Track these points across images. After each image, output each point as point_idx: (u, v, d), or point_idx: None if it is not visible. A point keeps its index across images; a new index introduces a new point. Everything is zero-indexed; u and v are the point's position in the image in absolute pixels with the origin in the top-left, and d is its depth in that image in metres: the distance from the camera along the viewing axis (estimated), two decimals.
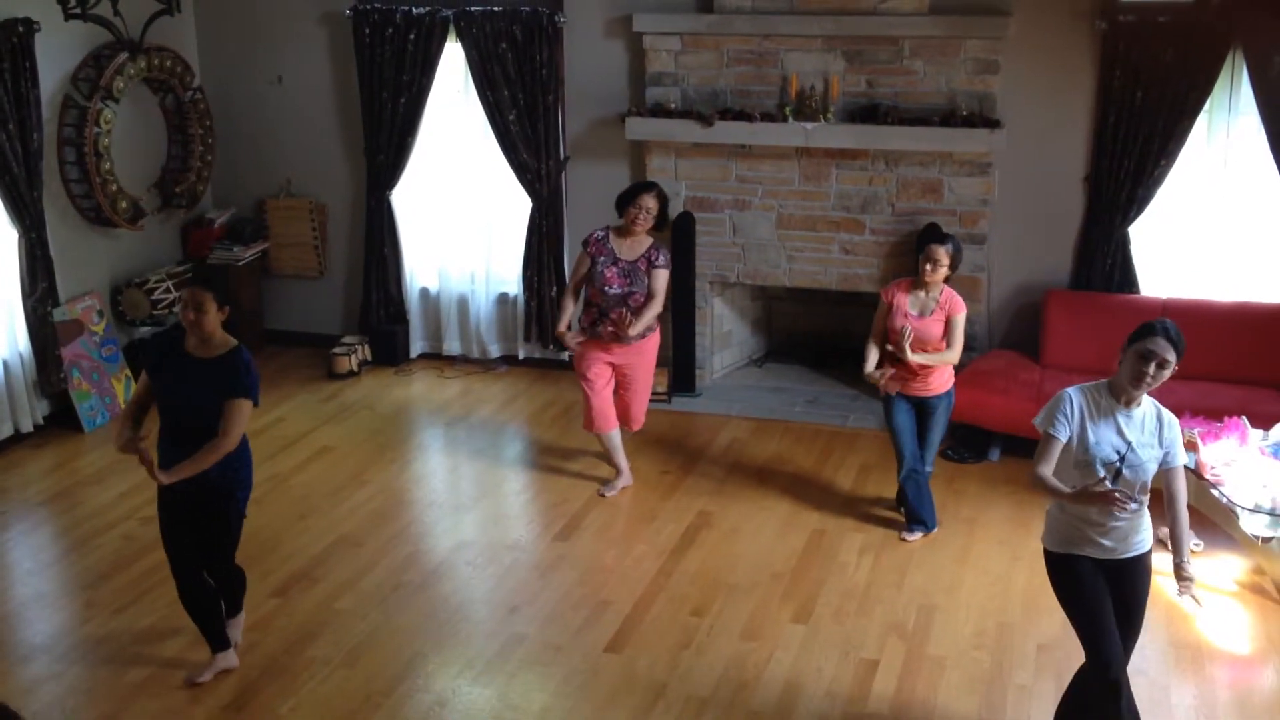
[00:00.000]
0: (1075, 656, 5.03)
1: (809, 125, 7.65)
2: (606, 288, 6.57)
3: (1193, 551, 6.15)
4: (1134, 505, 4.14)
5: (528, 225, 8.47)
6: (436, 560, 6.31)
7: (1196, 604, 4.55)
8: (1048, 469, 4.26)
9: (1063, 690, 4.98)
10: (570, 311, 6.74)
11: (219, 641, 5.26)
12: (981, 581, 5.98)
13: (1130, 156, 7.34)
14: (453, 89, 8.57)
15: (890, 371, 6.16)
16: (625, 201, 6.60)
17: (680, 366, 8.30)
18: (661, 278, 6.61)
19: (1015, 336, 7.86)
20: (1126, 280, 7.56)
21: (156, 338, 5.25)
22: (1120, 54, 7.25)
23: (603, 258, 6.60)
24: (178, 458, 4.90)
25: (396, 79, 8.43)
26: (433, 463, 7.64)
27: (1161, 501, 4.38)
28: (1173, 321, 4.29)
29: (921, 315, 6.10)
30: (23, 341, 7.61)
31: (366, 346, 8.94)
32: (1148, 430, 4.26)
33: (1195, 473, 5.95)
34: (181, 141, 8.78)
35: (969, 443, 7.31)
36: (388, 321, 9.01)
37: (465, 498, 7.00)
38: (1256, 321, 7.20)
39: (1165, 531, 6.15)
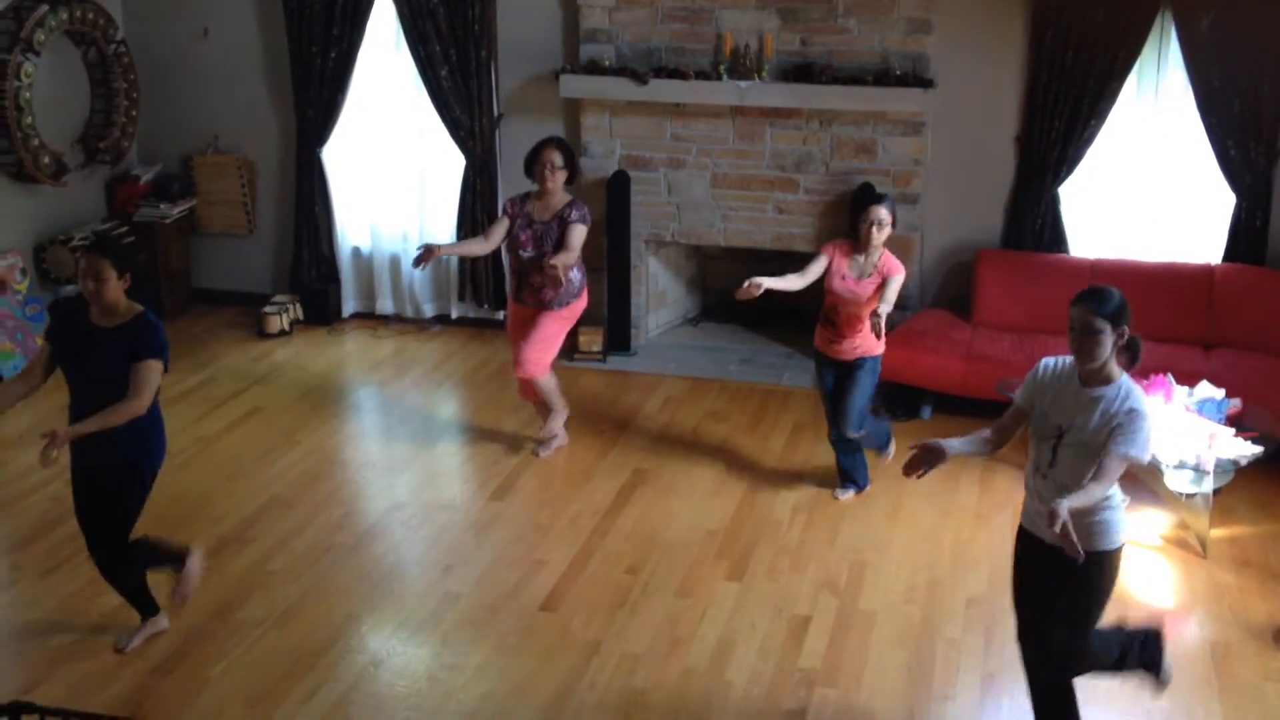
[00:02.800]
0: (1004, 610, 5.10)
1: (743, 84, 7.63)
2: (521, 251, 6.49)
3: None
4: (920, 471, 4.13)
5: (461, 183, 8.39)
6: (370, 521, 6.27)
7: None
8: (992, 424, 4.26)
9: (991, 643, 5.08)
10: (456, 244, 6.57)
11: (147, 606, 5.19)
12: (912, 538, 6.05)
13: (1061, 117, 7.40)
14: (384, 44, 8.45)
15: (752, 284, 5.83)
16: (530, 162, 6.51)
17: (615, 325, 8.29)
18: (576, 231, 6.42)
19: (947, 296, 7.93)
20: (1056, 240, 7.64)
21: (58, 306, 5.03)
22: (1051, 13, 7.29)
23: (518, 221, 6.51)
24: (93, 434, 4.76)
25: (326, 33, 8.29)
26: (366, 423, 7.58)
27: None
28: (1110, 286, 4.09)
29: (860, 278, 6.06)
30: None
31: (298, 305, 8.83)
32: (1101, 415, 3.99)
33: None
34: (105, 96, 8.58)
35: (901, 400, 7.38)
36: (319, 280, 8.90)
37: (399, 458, 6.96)
38: (1183, 281, 7.31)
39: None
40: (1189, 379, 6.36)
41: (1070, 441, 4.05)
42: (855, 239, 6.11)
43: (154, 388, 4.81)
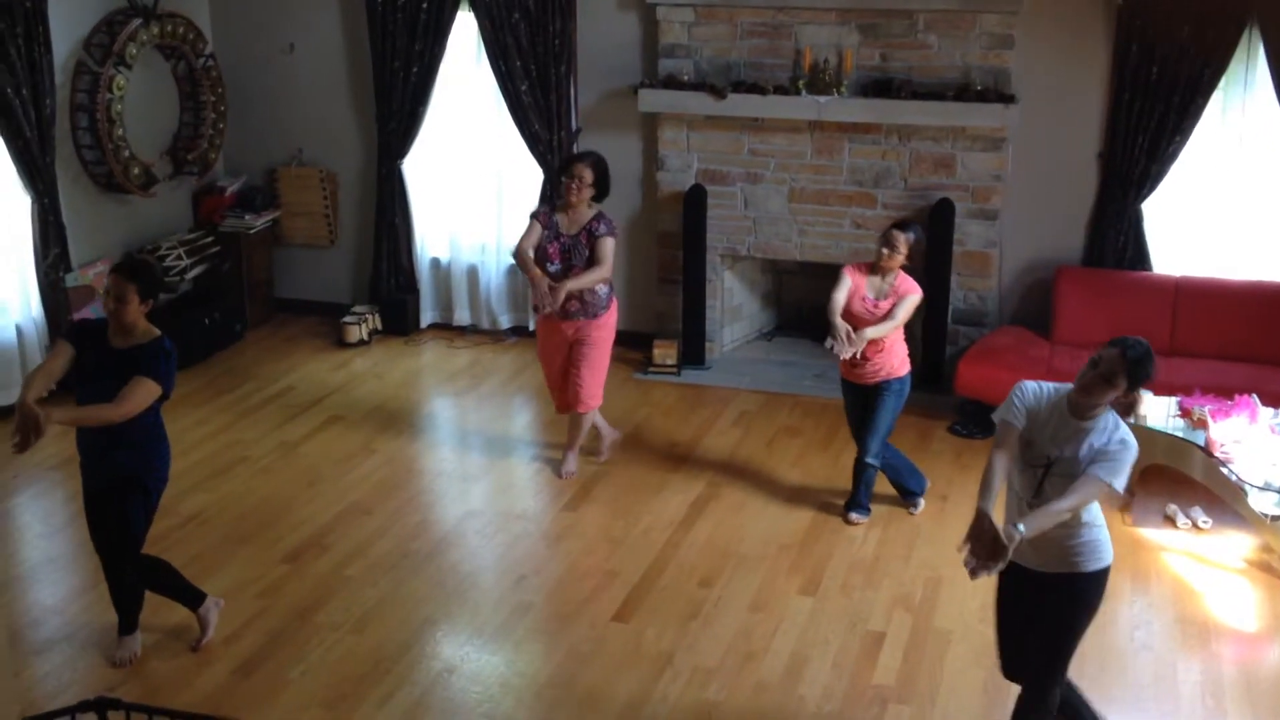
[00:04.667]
0: None
1: (822, 99, 7.63)
2: (548, 264, 6.39)
3: (1200, 528, 6.16)
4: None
5: (539, 197, 8.47)
6: (445, 529, 6.33)
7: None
8: (1001, 454, 4.04)
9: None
10: (532, 262, 6.39)
11: (134, 620, 5.21)
12: None
13: (1144, 133, 7.31)
14: (465, 59, 8.55)
15: (845, 331, 5.88)
16: (561, 172, 6.50)
17: (690, 339, 8.30)
18: (605, 246, 6.38)
19: (1026, 313, 7.85)
20: (1139, 257, 7.54)
21: (80, 326, 5.03)
22: (1135, 29, 7.21)
23: (547, 232, 6.42)
24: (95, 444, 4.85)
25: (409, 48, 8.41)
26: (441, 433, 7.66)
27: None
28: (1146, 344, 3.98)
29: (878, 299, 6.06)
30: (35, 307, 7.63)
31: (377, 316, 8.95)
32: (1090, 448, 3.95)
33: (1205, 450, 5.94)
34: (193, 109, 8.77)
35: (977, 419, 7.31)
36: (398, 291, 9.02)
37: (474, 467, 7.02)
38: (1268, 300, 7.19)
39: (1172, 507, 6.19)
40: (1275, 400, 6.25)
41: (1058, 472, 3.99)
42: (875, 260, 6.08)
43: (141, 405, 4.76)
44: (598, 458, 6.97)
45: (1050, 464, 3.99)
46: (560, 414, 6.92)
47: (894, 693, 4.96)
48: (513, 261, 8.57)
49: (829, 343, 5.95)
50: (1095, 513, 4.08)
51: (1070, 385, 4.07)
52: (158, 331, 4.93)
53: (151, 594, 5.26)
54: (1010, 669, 4.36)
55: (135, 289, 4.79)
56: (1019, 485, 4.11)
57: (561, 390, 6.75)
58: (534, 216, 6.51)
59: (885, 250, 6.00)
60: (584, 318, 6.50)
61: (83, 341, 4.90)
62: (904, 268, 6.10)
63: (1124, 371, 3.92)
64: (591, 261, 6.38)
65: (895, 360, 6.12)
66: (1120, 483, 3.93)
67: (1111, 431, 3.98)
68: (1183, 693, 4.96)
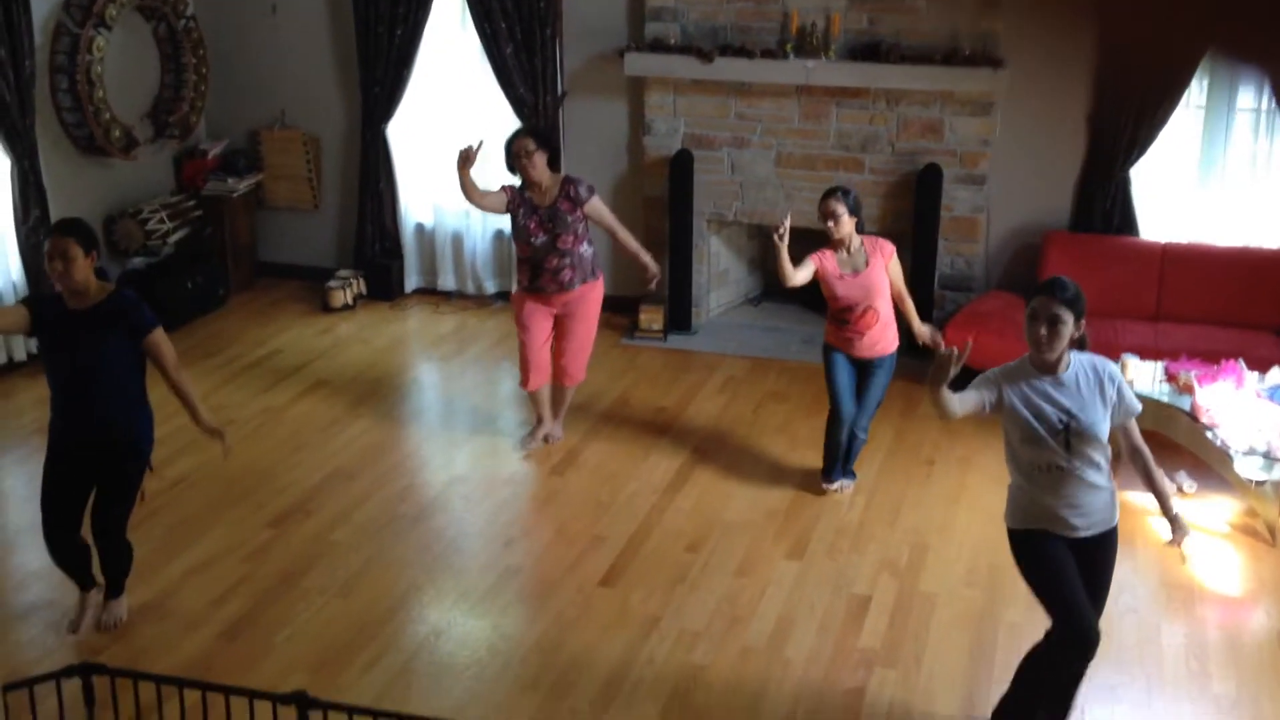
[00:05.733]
0: None
1: (810, 63, 7.58)
2: (532, 239, 6.28)
3: (1185, 493, 6.18)
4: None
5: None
6: (431, 494, 6.32)
7: (1183, 559, 4.51)
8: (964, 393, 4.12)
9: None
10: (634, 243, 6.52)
11: (90, 579, 5.16)
12: (975, 520, 6.00)
13: (1133, 97, 7.28)
14: (450, 21, 8.47)
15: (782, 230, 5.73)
16: (509, 158, 6.31)
17: (676, 304, 8.28)
18: (601, 207, 6.38)
19: (1013, 278, 7.84)
20: (1126, 223, 7.53)
21: (35, 302, 4.95)
22: None
23: (521, 210, 6.30)
24: (82, 412, 4.79)
25: (392, 10, 8.33)
26: (428, 398, 7.64)
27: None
28: (1067, 277, 4.07)
29: (856, 273, 5.90)
30: (16, 270, 7.58)
31: (361, 281, 8.90)
32: (1086, 391, 4.07)
33: (1191, 415, 5.96)
34: (175, 70, 8.68)
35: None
36: (383, 256, 8.97)
37: (460, 433, 7.00)
38: (1255, 266, 7.20)
39: (1180, 475, 6.19)
40: (1260, 365, 6.27)
41: (1078, 429, 4.04)
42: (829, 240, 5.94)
43: (173, 353, 4.87)
44: (527, 443, 6.75)
45: (1067, 424, 4.03)
46: (529, 390, 6.66)
47: (880, 656, 4.98)
48: (498, 226, 8.63)
49: (779, 233, 5.70)
50: (1108, 469, 4.17)
51: (1020, 358, 4.15)
52: (112, 285, 4.89)
53: (144, 553, 5.22)
54: (1096, 629, 4.25)
55: (75, 242, 4.71)
56: (1039, 457, 4.08)
57: (539, 365, 6.57)
58: (502, 188, 6.39)
59: (831, 224, 5.83)
60: (579, 284, 6.41)
61: (41, 313, 4.81)
62: (862, 232, 5.99)
63: (1067, 308, 3.99)
64: (605, 227, 6.41)
65: (892, 333, 6.06)
66: (1137, 405, 4.18)
67: (1096, 371, 4.11)
68: (1167, 656, 4.99)
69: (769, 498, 6.22)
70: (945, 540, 5.84)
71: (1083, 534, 4.16)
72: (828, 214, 5.85)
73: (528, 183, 6.31)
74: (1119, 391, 4.12)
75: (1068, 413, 4.04)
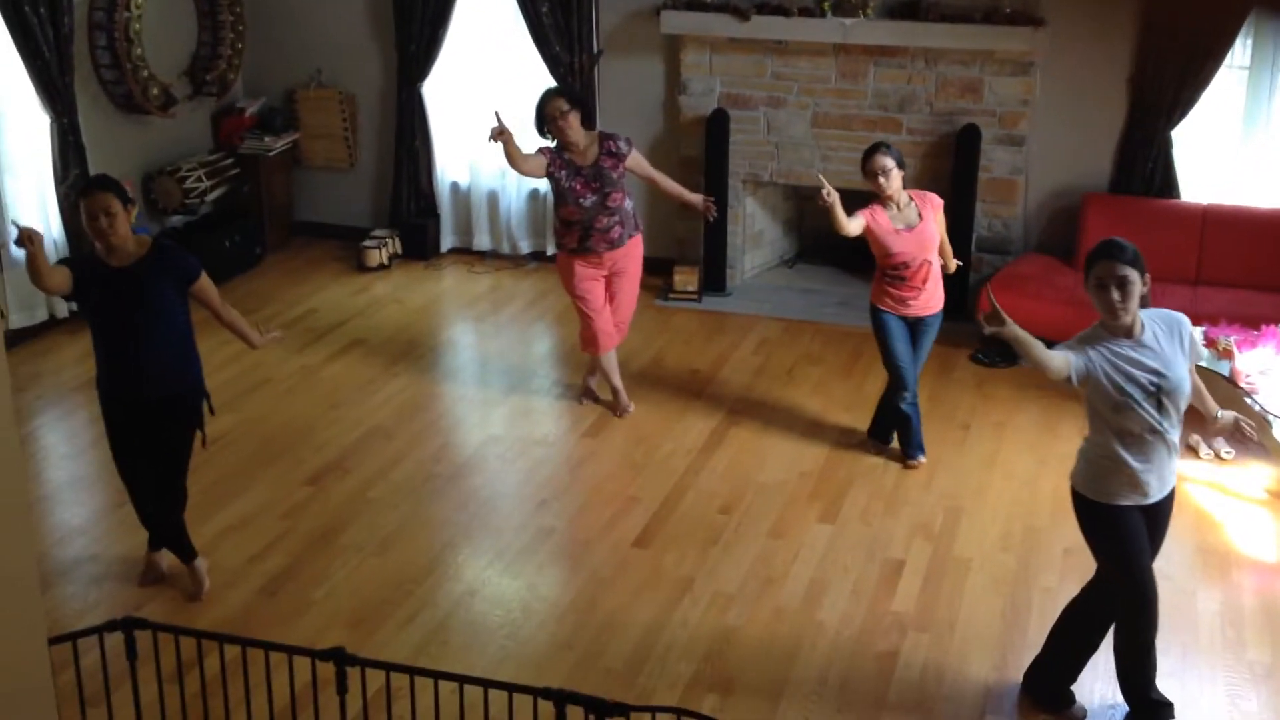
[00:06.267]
0: None
1: (847, 21, 7.51)
2: (580, 200, 6.22)
3: (1223, 459, 6.14)
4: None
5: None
6: (467, 453, 6.36)
7: (1250, 435, 4.41)
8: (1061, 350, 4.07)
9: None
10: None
11: (191, 550, 5.19)
12: (1009, 485, 5.99)
13: (1176, 57, 7.17)
14: None
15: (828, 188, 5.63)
16: (540, 120, 6.26)
17: (711, 265, 8.26)
18: (642, 160, 6.41)
19: (1051, 240, 7.77)
20: (1167, 185, 7.44)
21: (81, 260, 4.92)
22: None
23: (564, 172, 6.23)
24: (142, 369, 4.78)
25: None
26: (463, 357, 7.67)
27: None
28: (1117, 237, 4.07)
29: (910, 227, 5.80)
30: (56, 227, 7.63)
31: (397, 240, 8.92)
32: (1168, 347, 4.06)
33: (1230, 380, 5.90)
34: (212, 28, 8.68)
35: (1000, 347, 7.25)
36: (418, 215, 8.98)
37: (495, 393, 7.03)
38: None
39: (1195, 438, 6.16)
40: None
41: (1168, 388, 4.02)
42: (878, 198, 5.82)
43: (216, 290, 4.99)
44: (620, 412, 6.72)
45: (1159, 385, 4.01)
46: (601, 354, 6.59)
47: (913, 620, 4.99)
48: (533, 186, 8.60)
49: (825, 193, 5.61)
50: None
51: (1091, 327, 4.11)
52: (147, 236, 4.91)
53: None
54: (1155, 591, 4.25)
55: (114, 197, 4.73)
56: (1132, 425, 4.03)
57: (607, 329, 6.52)
58: (540, 151, 6.32)
59: (881, 179, 5.71)
60: (627, 240, 6.41)
61: (84, 275, 4.79)
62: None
63: (1132, 267, 3.97)
64: (647, 178, 6.50)
65: (941, 288, 5.98)
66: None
67: (1169, 325, 4.11)
68: (1202, 622, 4.97)
69: (803, 460, 6.22)
70: (979, 504, 5.83)
71: (1155, 498, 4.16)
72: (878, 170, 5.73)
73: (564, 144, 6.26)
74: (1191, 339, 4.14)
75: (1156, 373, 4.01)
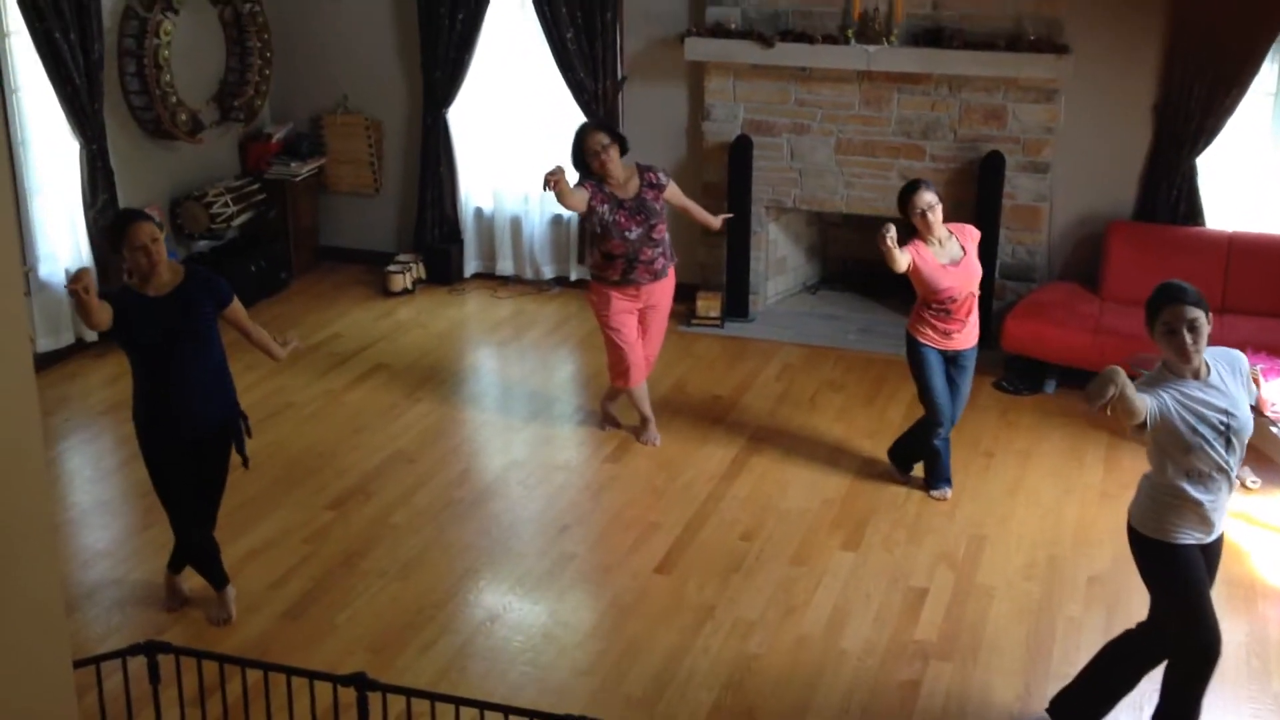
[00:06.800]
0: (1127, 589, 5.06)
1: (871, 48, 7.52)
2: (626, 233, 6.22)
3: (1249, 489, 6.09)
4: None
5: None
6: (488, 479, 6.36)
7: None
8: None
9: (1112, 622, 4.97)
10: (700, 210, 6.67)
11: (224, 576, 5.21)
12: (1033, 513, 5.96)
13: (1201, 84, 7.16)
14: (511, 5, 8.49)
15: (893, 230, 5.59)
16: (578, 155, 6.27)
17: (733, 291, 8.26)
18: (677, 190, 6.45)
19: (1075, 268, 7.75)
20: (1192, 213, 7.42)
21: (117, 293, 4.84)
22: None
23: (606, 206, 6.23)
24: (189, 397, 4.80)
25: None
26: (485, 382, 7.69)
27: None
28: (1176, 279, 4.07)
29: (955, 262, 5.76)
30: (84, 251, 7.69)
31: (421, 265, 8.96)
32: (1233, 387, 4.04)
33: (1256, 410, 5.86)
34: (240, 54, 8.77)
35: (1024, 374, 7.24)
36: (442, 240, 9.02)
37: (517, 418, 7.04)
38: None
39: (1245, 471, 6.10)
40: None
41: (1236, 428, 4.01)
42: (918, 233, 5.76)
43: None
44: (646, 439, 6.69)
45: (1228, 425, 3.99)
46: (632, 386, 6.56)
47: (936, 648, 4.96)
48: (556, 211, 8.63)
49: (887, 233, 5.53)
50: None
51: (1155, 369, 4.06)
52: (179, 264, 4.94)
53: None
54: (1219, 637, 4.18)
55: (155, 226, 4.79)
56: (1201, 466, 3.99)
57: (639, 361, 6.50)
58: (581, 184, 6.30)
59: (930, 217, 5.67)
60: (668, 270, 6.45)
61: (123, 308, 4.75)
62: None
63: (1198, 308, 3.97)
64: (681, 207, 6.52)
65: (978, 322, 5.92)
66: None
67: (1232, 364, 4.10)
68: (1227, 652, 4.88)
69: (825, 487, 6.21)
70: (1003, 533, 5.80)
71: (1215, 535, 4.15)
72: (924, 207, 5.66)
73: (605, 177, 6.26)
74: (1249, 380, 4.16)
75: (1226, 413, 3.99)
